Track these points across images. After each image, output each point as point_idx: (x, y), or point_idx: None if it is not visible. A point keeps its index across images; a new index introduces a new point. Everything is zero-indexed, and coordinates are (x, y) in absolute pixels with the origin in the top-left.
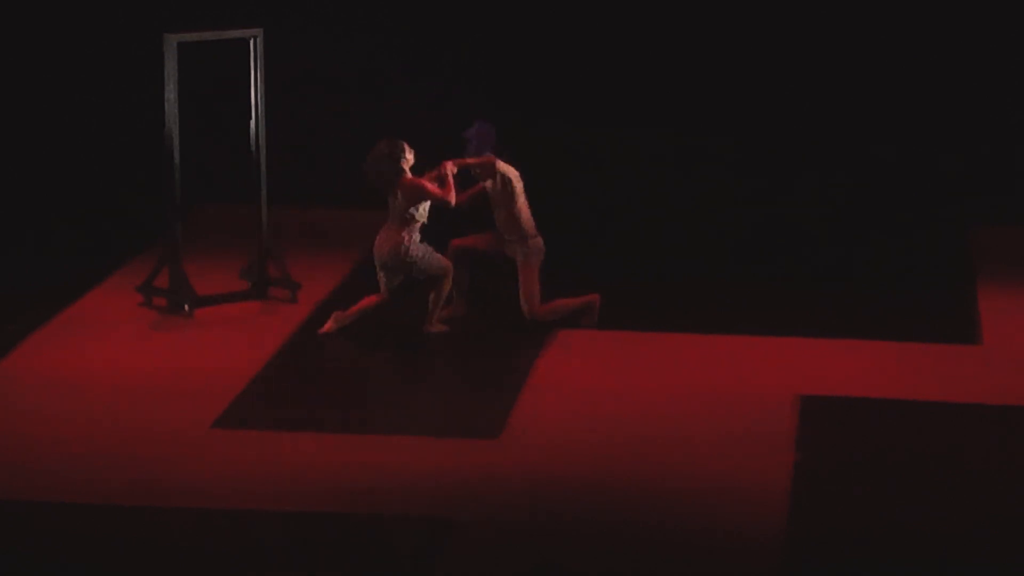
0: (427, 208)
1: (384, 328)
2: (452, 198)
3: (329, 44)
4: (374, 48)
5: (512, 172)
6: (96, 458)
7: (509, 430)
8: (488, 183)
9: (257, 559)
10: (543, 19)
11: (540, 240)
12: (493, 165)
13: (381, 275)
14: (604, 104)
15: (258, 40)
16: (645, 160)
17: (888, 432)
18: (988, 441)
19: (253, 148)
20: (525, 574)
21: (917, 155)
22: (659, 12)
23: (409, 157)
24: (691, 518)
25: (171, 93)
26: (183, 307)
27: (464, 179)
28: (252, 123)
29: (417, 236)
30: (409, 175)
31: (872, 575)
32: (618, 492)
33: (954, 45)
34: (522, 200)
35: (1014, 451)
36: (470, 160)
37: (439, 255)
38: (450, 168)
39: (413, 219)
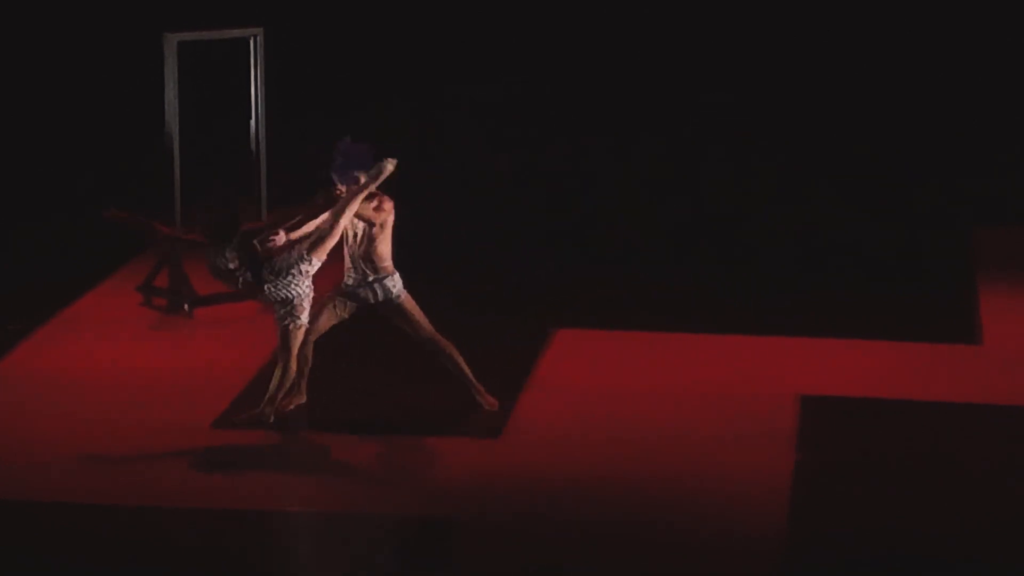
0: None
1: (384, 328)
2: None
3: (329, 44)
4: (374, 48)
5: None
6: (96, 458)
7: (509, 430)
8: (363, 223)
9: (257, 559)
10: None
11: (398, 274)
12: (391, 204)
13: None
14: (604, 104)
15: (258, 40)
16: (645, 161)
17: (888, 432)
18: (988, 441)
19: (253, 148)
20: (525, 574)
21: (917, 155)
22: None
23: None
24: (691, 518)
25: (171, 93)
26: (183, 307)
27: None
28: (252, 123)
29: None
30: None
31: (872, 575)
32: (618, 492)
33: (955, 45)
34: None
35: (1014, 451)
36: (359, 196)
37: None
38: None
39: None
